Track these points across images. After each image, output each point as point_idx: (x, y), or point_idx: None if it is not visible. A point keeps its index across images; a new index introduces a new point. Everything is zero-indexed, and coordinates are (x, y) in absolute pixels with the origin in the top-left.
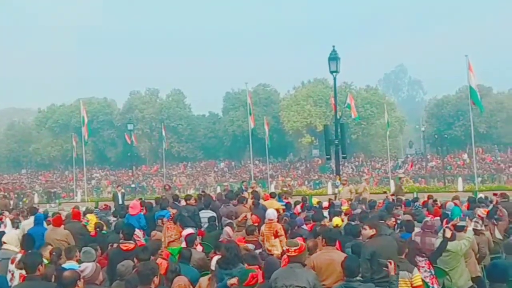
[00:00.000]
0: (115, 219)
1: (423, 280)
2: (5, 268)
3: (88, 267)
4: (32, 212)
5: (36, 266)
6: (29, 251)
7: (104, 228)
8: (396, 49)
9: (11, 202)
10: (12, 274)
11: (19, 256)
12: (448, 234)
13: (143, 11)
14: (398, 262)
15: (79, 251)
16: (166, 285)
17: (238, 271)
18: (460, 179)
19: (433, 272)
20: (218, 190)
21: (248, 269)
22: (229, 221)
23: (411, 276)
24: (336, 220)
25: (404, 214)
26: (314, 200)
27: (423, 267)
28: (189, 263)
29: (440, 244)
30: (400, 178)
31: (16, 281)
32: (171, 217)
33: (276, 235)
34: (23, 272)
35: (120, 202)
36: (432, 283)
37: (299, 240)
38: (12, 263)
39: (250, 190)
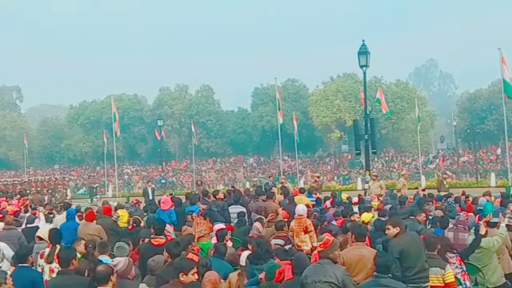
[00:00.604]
0: (146, 214)
1: (455, 277)
2: (35, 262)
3: (121, 262)
4: (65, 207)
5: (70, 261)
6: (57, 245)
7: (142, 223)
8: (427, 43)
9: (45, 197)
10: (42, 269)
11: (47, 250)
12: (483, 231)
13: (172, 9)
14: (429, 259)
15: (111, 246)
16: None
17: (268, 266)
18: (492, 174)
19: (464, 269)
20: (247, 185)
21: (278, 264)
22: (258, 216)
23: (444, 273)
24: (365, 216)
25: (435, 209)
26: (344, 196)
27: (454, 263)
28: (224, 258)
29: (473, 241)
30: (444, 173)
31: (46, 276)
32: (200, 213)
33: (306, 231)
34: (53, 266)
35: (151, 197)
36: (464, 280)
37: (326, 235)
38: (41, 258)
39: (279, 186)
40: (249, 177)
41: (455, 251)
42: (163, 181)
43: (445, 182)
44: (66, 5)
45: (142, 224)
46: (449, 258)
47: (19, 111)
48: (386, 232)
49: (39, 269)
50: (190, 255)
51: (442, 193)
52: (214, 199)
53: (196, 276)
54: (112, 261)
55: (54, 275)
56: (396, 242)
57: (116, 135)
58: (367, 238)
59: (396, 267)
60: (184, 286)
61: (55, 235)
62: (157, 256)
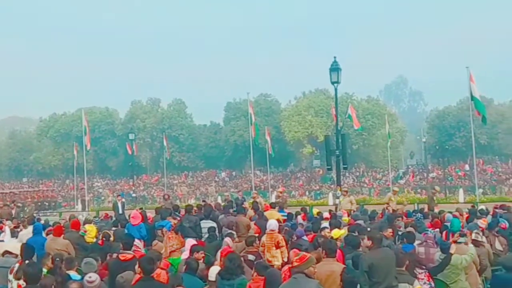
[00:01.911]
0: (115, 228)
1: None
2: (5, 276)
3: (97, 278)
4: (30, 222)
5: (38, 277)
6: (28, 261)
7: (111, 238)
8: (396, 60)
9: (13, 211)
10: (11, 285)
11: (17, 266)
12: (453, 249)
13: (145, 21)
14: (398, 274)
15: (78, 261)
16: None
17: (239, 282)
18: (461, 190)
19: (432, 285)
20: (219, 200)
21: (245, 279)
22: (229, 231)
23: None
24: (336, 232)
25: (405, 225)
26: (315, 211)
27: (422, 279)
28: (195, 274)
29: (444, 259)
30: (433, 188)
31: None
32: (172, 228)
33: (277, 246)
34: (21, 282)
35: (120, 211)
36: None
37: (294, 252)
38: (10, 273)
39: (251, 200)
40: (221, 191)
41: (423, 267)
42: (133, 195)
43: (434, 198)
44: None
45: (112, 239)
46: (418, 274)
47: None
48: (361, 243)
49: (9, 284)
50: (157, 271)
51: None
52: (187, 214)
53: None
54: (81, 277)
55: None
56: (367, 256)
57: (86, 148)
58: (337, 254)
59: (364, 281)
60: None
61: (28, 251)
62: (126, 273)
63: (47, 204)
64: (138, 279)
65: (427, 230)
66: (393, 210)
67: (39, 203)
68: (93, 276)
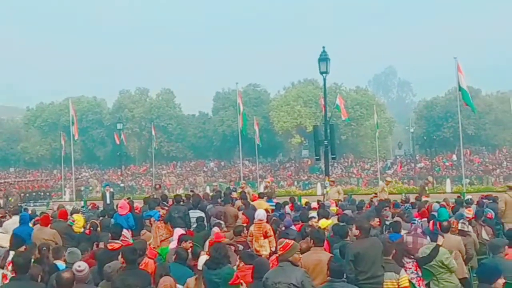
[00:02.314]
0: (102, 218)
1: (410, 282)
2: None
3: (86, 267)
4: (16, 212)
5: (27, 266)
6: (17, 251)
7: (99, 228)
8: (386, 50)
9: (0, 201)
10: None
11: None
12: (440, 241)
13: (135, 10)
14: (384, 263)
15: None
16: (153, 285)
17: (227, 271)
18: (448, 180)
19: (420, 274)
20: (208, 190)
21: (233, 269)
22: (217, 221)
23: (398, 277)
24: (323, 222)
25: (392, 215)
26: (303, 201)
27: (410, 268)
28: (185, 263)
29: (432, 251)
30: (426, 178)
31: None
32: (161, 217)
33: (265, 236)
34: (5, 271)
35: (108, 201)
36: (419, 285)
37: (284, 240)
38: None
39: (239, 191)
40: (209, 181)
41: (412, 256)
42: (121, 185)
43: (426, 188)
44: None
45: (99, 229)
46: (406, 263)
47: None
48: (349, 233)
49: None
50: (145, 260)
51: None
52: (175, 204)
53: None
54: (66, 266)
55: (6, 281)
56: (353, 245)
57: (74, 138)
58: (325, 243)
59: (350, 270)
60: None
61: (16, 241)
62: (113, 262)
63: (41, 194)
64: (122, 269)
65: (415, 220)
66: (385, 199)
67: (33, 193)
68: (82, 265)
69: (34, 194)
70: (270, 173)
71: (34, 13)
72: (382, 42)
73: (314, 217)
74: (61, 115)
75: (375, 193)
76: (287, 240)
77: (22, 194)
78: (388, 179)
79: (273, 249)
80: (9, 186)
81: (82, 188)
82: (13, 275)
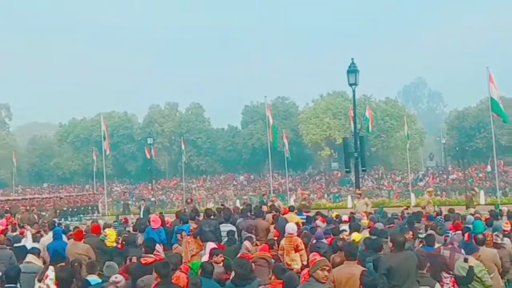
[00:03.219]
0: (135, 232)
1: None
2: (27, 281)
3: (123, 279)
4: (51, 227)
5: (70, 281)
6: (60, 265)
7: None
8: (415, 61)
9: (35, 216)
10: None
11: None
12: (472, 262)
13: (164, 24)
14: (419, 277)
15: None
16: None
17: (257, 285)
18: (482, 192)
19: None
20: (238, 203)
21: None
22: (248, 235)
23: None
24: (355, 236)
25: (425, 228)
26: (333, 214)
27: (447, 283)
28: (211, 277)
29: (469, 272)
30: (472, 189)
31: None
32: (191, 232)
33: (296, 249)
34: (42, 285)
35: (141, 215)
36: None
37: (315, 255)
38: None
39: (269, 204)
40: (239, 195)
41: (451, 272)
42: (152, 199)
43: (474, 199)
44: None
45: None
46: (443, 278)
47: (8, 129)
48: (383, 246)
49: None
50: (177, 274)
51: (471, 210)
52: (206, 218)
53: None
54: (102, 280)
55: None
56: (386, 258)
57: (105, 153)
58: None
59: (382, 283)
60: None
61: (56, 256)
62: (146, 277)
63: (82, 208)
64: (156, 284)
65: (448, 233)
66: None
67: (74, 208)
68: (119, 277)
69: (73, 209)
70: (300, 186)
71: (63, 28)
72: (411, 53)
73: (346, 230)
74: (93, 131)
75: (407, 206)
76: (316, 256)
77: (64, 209)
78: (430, 189)
79: (305, 262)
80: (43, 201)
81: (129, 202)
82: None
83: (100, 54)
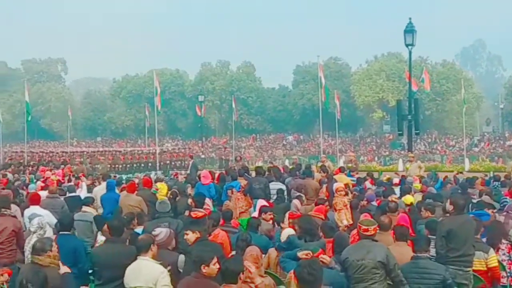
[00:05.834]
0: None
1: (499, 262)
2: (83, 229)
3: (162, 232)
4: (104, 179)
5: (122, 230)
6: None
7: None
8: (474, 23)
9: (90, 167)
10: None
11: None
12: None
13: None
14: (474, 242)
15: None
16: (237, 254)
17: (317, 244)
18: None
19: None
20: (287, 163)
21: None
22: (298, 194)
23: (487, 257)
24: (408, 198)
25: (480, 193)
26: (384, 176)
27: (503, 249)
28: (257, 231)
29: None
30: None
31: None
32: (241, 189)
33: (342, 208)
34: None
35: (189, 172)
36: (510, 268)
37: (365, 217)
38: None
39: (319, 164)
40: (288, 155)
41: (509, 238)
42: (202, 156)
43: None
44: None
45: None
46: (500, 244)
47: (63, 83)
48: (446, 205)
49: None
50: (216, 231)
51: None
52: (256, 175)
53: (218, 266)
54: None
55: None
56: (446, 221)
57: (157, 109)
58: (405, 218)
59: (441, 246)
60: (207, 279)
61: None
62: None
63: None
64: (196, 239)
65: (506, 199)
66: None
67: (142, 164)
68: (158, 230)
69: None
70: (350, 148)
71: None
72: (471, 14)
73: (395, 194)
74: (145, 87)
75: (460, 171)
76: (367, 217)
77: (119, 165)
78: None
79: (350, 221)
80: (98, 154)
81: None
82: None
83: (154, 12)
